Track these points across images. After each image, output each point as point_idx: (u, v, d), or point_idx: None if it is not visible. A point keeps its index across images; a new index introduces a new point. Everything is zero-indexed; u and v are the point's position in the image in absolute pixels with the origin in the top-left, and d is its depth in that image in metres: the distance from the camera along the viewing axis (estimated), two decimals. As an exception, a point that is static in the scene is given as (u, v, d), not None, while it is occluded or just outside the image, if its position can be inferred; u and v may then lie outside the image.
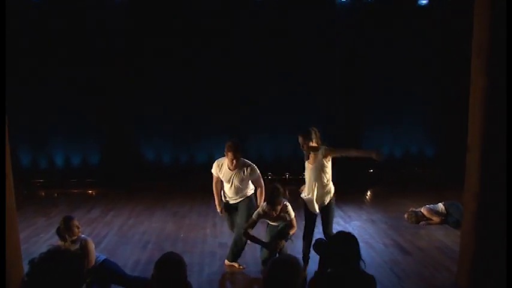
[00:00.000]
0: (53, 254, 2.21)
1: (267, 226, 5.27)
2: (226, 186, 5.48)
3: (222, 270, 5.33)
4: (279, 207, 4.95)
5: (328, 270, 2.87)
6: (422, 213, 6.99)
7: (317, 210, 5.12)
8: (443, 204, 6.98)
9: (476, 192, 4.48)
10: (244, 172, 5.31)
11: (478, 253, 4.49)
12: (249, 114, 9.81)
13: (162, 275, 2.61)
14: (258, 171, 5.43)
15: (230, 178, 5.35)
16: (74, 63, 9.19)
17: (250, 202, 5.47)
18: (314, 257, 2.90)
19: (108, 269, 4.59)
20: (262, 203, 5.25)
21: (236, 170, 5.31)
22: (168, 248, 5.92)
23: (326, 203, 5.17)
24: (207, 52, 9.37)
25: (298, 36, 9.41)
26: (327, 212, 5.17)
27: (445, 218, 6.86)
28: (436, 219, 6.87)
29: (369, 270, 2.89)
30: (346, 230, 3.04)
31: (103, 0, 9.21)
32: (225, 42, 9.38)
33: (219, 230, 6.81)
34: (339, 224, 7.01)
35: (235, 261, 5.41)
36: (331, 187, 5.30)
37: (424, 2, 9.58)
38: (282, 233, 5.01)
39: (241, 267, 5.38)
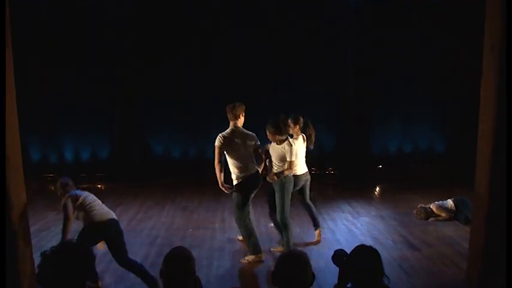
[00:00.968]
0: (63, 248, 2.26)
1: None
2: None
3: (230, 265, 5.35)
4: (279, 137, 5.30)
5: (348, 285, 2.80)
6: (432, 209, 6.95)
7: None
8: (453, 201, 6.93)
9: (486, 188, 4.45)
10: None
11: (487, 249, 4.46)
12: (258, 108, 9.79)
13: (171, 270, 2.62)
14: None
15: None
16: (84, 58, 9.25)
17: None
18: (332, 269, 2.83)
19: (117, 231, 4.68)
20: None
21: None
22: (177, 242, 5.94)
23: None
24: (216, 47, 9.38)
25: (306, 31, 9.38)
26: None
27: (455, 214, 6.81)
28: (445, 215, 6.83)
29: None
30: (357, 240, 2.93)
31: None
32: (234, 38, 9.37)
33: (227, 225, 6.83)
34: (347, 220, 7.01)
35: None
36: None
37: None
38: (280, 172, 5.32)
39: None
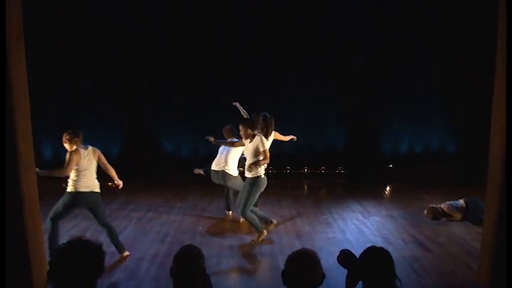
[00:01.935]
0: (73, 244, 2.28)
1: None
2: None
3: (240, 263, 5.35)
4: (247, 131, 5.85)
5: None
6: (443, 210, 6.89)
7: None
8: (464, 201, 6.87)
9: (498, 189, 4.40)
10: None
11: (499, 251, 4.41)
12: (267, 106, 9.79)
13: (181, 268, 2.62)
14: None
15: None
16: (97, 57, 9.33)
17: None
18: (342, 268, 2.81)
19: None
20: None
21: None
22: (187, 241, 5.95)
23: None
24: (225, 44, 9.40)
25: (320, 28, 9.36)
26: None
27: (466, 215, 6.76)
28: (456, 215, 6.78)
29: (388, 266, 2.84)
30: (367, 240, 2.89)
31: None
32: (243, 34, 9.38)
33: (237, 224, 6.83)
34: (357, 219, 6.98)
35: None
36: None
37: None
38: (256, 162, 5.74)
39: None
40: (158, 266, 5.22)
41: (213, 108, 9.57)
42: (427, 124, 10.06)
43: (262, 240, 5.93)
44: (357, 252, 2.79)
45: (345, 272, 2.87)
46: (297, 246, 5.75)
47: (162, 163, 9.87)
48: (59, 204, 5.24)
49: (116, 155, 10.04)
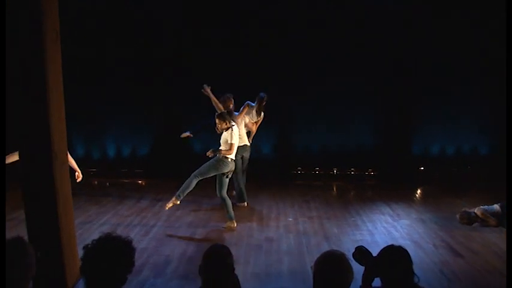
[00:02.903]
0: (104, 241, 2.33)
1: None
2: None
3: (267, 263, 5.34)
4: (223, 125, 6.59)
5: (376, 285, 2.76)
6: (476, 214, 6.70)
7: None
8: (499, 206, 6.66)
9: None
10: None
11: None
12: (294, 105, 9.79)
13: (210, 267, 2.63)
14: None
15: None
16: (128, 57, 9.49)
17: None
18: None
19: None
20: None
21: None
22: (215, 239, 6.00)
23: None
24: (255, 41, 9.41)
25: (354, 25, 9.25)
26: None
27: (501, 220, 6.55)
28: (491, 221, 6.58)
29: (418, 271, 2.78)
30: (396, 243, 2.85)
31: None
32: (270, 32, 9.36)
33: (265, 224, 6.83)
34: (387, 222, 6.88)
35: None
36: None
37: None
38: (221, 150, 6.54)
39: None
40: (186, 264, 5.26)
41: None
42: (459, 125, 9.80)
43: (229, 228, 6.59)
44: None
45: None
46: (325, 247, 5.71)
47: (191, 162, 9.92)
48: None
49: (146, 153, 10.19)
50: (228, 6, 9.33)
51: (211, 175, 6.67)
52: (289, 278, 5.01)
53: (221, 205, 6.94)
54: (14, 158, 5.22)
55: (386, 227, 6.66)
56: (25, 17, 4.17)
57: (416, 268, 2.81)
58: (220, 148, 6.62)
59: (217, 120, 6.68)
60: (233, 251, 2.80)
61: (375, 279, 2.83)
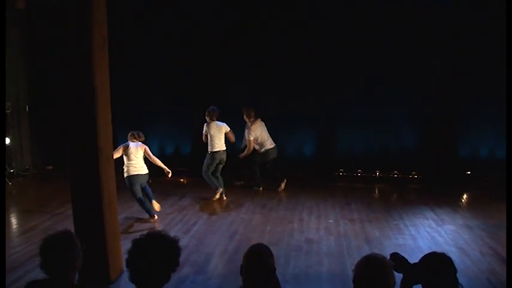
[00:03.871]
0: (152, 237, 2.38)
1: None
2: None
3: (307, 265, 5.31)
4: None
5: None
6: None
7: None
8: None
9: None
10: None
11: None
12: (335, 106, 9.69)
13: (252, 267, 2.62)
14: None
15: None
16: (172, 56, 9.68)
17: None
18: None
19: None
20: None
21: None
22: (255, 239, 6.01)
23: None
24: (293, 43, 9.38)
25: (391, 24, 9.05)
26: None
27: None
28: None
29: (463, 279, 2.69)
30: (439, 250, 2.74)
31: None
32: (313, 31, 9.31)
33: (306, 225, 6.80)
34: (430, 227, 6.69)
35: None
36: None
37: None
38: None
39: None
40: (226, 263, 5.31)
41: (285, 107, 9.59)
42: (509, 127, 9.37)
43: (217, 198, 8.10)
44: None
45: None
46: (366, 250, 5.63)
47: (230, 161, 9.97)
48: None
49: (188, 153, 10.34)
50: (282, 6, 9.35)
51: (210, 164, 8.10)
52: (328, 280, 4.97)
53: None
54: (116, 154, 6.52)
55: (430, 232, 6.48)
56: (74, 23, 4.34)
57: (461, 276, 2.71)
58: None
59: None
60: (273, 251, 2.78)
61: (415, 286, 2.75)
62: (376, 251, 4.94)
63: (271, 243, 5.83)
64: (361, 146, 9.92)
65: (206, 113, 8.07)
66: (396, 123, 9.67)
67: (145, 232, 2.43)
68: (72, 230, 4.06)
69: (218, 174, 8.29)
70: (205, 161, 8.15)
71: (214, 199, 8.11)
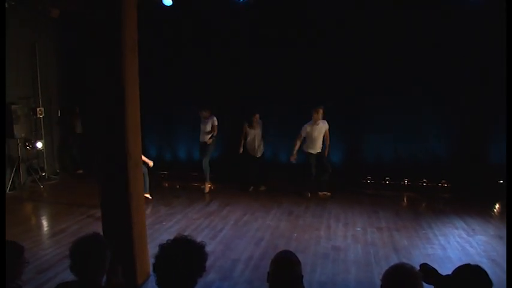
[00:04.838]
0: (179, 242, 2.38)
1: None
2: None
3: (333, 273, 5.25)
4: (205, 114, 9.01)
5: None
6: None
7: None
8: None
9: None
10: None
11: None
12: (363, 113, 9.60)
13: (279, 274, 2.58)
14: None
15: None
16: (202, 62, 9.79)
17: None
18: None
19: None
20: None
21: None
22: (282, 246, 5.98)
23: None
24: (320, 47, 9.37)
25: (424, 32, 8.91)
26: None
27: None
28: None
29: (495, 291, 2.61)
30: (471, 262, 2.64)
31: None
32: (346, 39, 9.26)
33: (333, 233, 6.73)
34: (460, 237, 6.53)
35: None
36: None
37: None
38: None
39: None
40: (252, 269, 5.30)
41: (307, 117, 9.54)
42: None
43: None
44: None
45: None
46: (394, 259, 5.55)
47: (260, 167, 9.98)
48: None
49: (216, 158, 10.38)
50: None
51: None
52: (357, 287, 4.90)
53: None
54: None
55: (460, 242, 6.33)
56: (104, 26, 4.43)
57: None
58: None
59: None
60: (300, 258, 2.75)
61: None
62: (405, 261, 4.84)
63: (298, 250, 5.79)
64: (389, 153, 9.78)
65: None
66: (426, 131, 9.50)
67: (172, 237, 2.44)
68: (101, 233, 4.13)
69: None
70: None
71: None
